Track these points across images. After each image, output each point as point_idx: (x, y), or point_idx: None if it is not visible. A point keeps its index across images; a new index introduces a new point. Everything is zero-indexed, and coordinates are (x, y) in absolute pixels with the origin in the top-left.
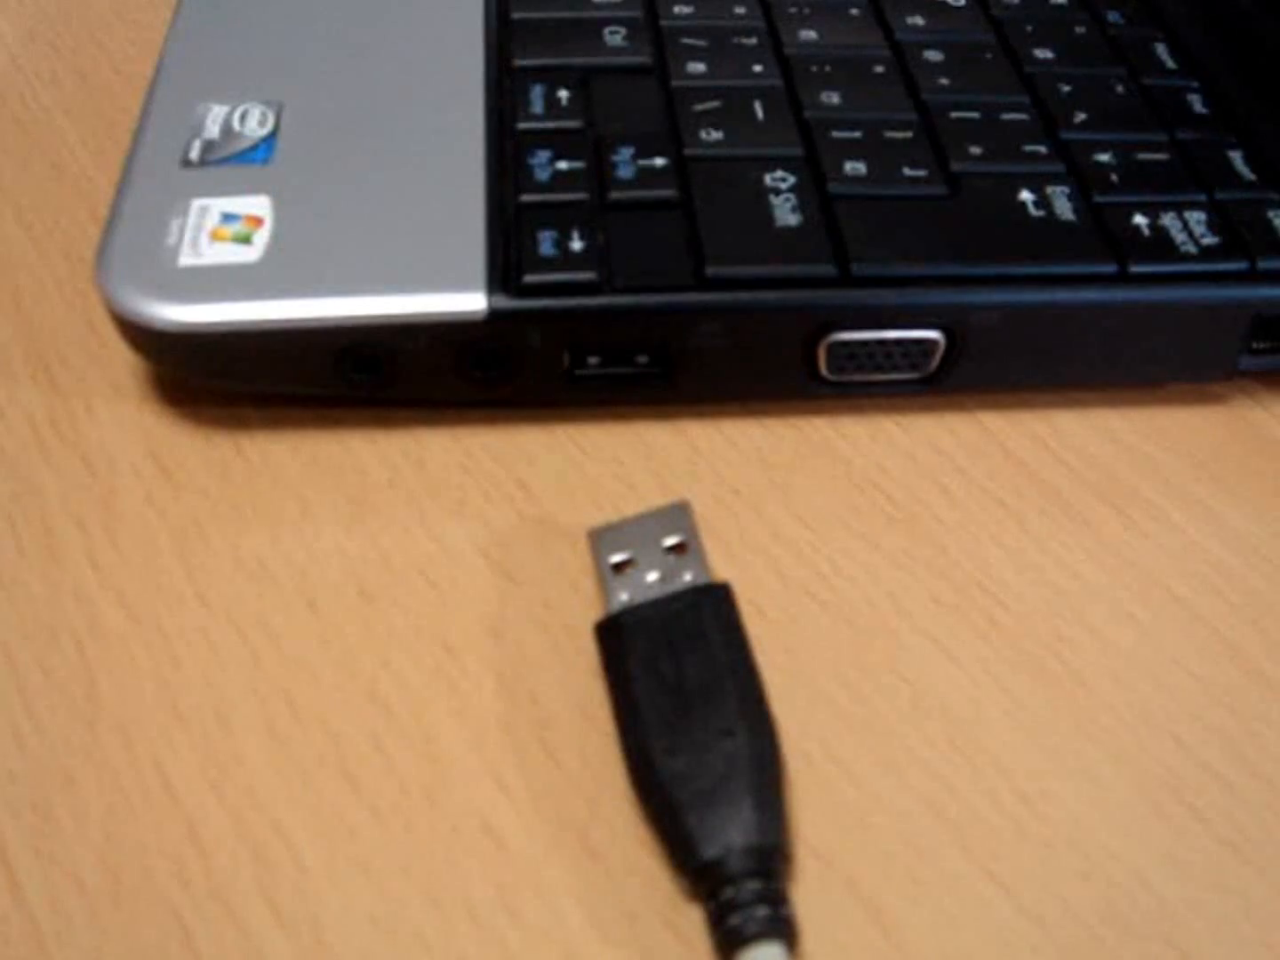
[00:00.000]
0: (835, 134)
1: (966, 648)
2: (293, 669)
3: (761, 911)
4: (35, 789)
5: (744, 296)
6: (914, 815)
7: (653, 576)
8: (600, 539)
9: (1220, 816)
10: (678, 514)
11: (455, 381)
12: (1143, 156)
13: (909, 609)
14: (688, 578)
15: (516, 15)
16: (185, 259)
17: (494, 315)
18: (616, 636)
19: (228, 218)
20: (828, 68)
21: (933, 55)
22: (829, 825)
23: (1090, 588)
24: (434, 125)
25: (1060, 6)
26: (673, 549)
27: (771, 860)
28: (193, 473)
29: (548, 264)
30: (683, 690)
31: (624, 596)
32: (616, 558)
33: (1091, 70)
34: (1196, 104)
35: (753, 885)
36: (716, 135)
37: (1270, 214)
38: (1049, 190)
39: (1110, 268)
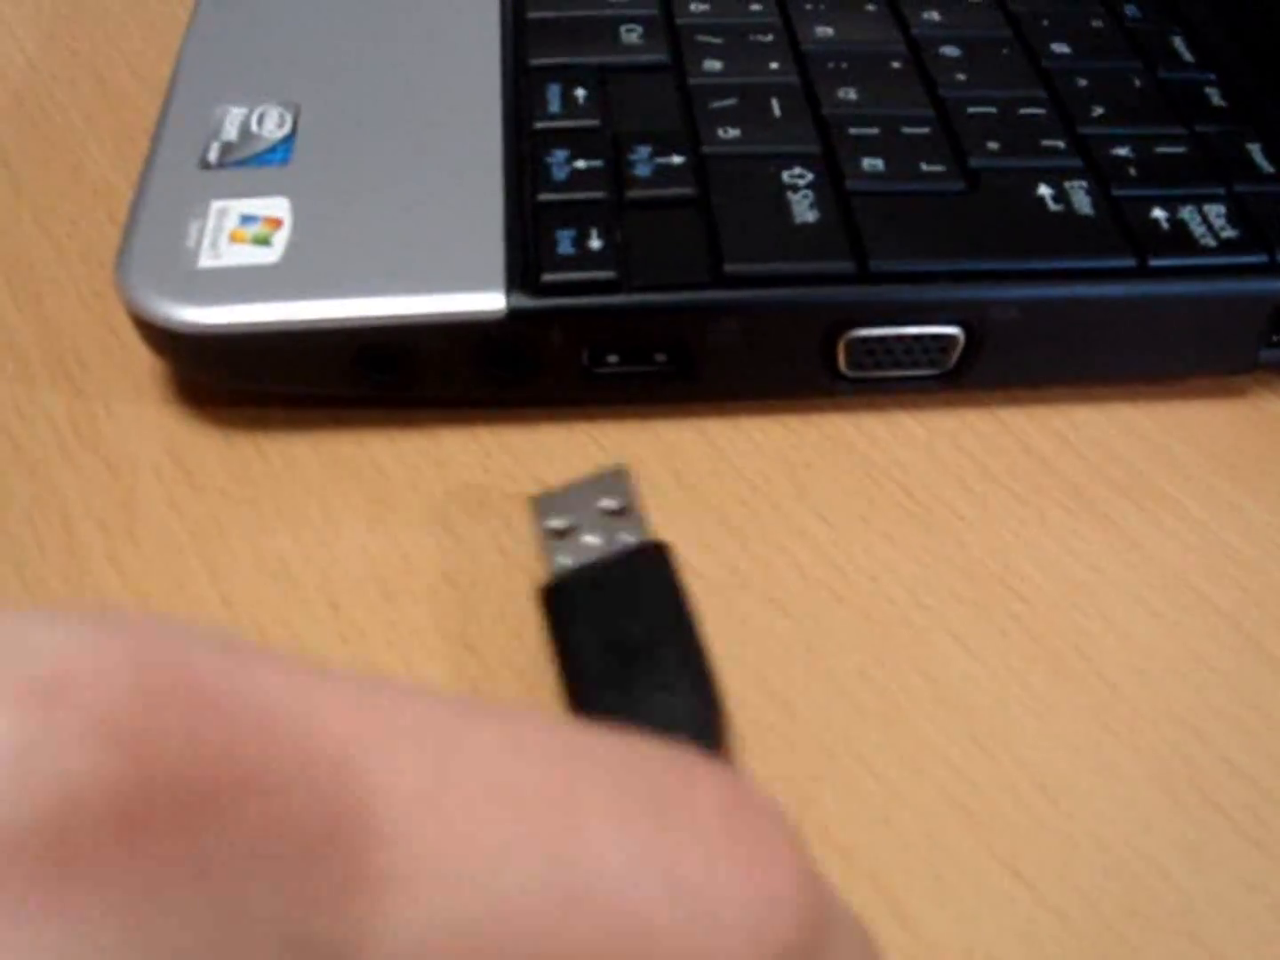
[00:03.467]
0: (853, 130)
1: (987, 643)
2: None
3: None
4: None
5: (763, 294)
6: (936, 810)
7: (593, 539)
8: (540, 505)
9: (1243, 810)
10: (616, 478)
11: (474, 381)
12: (1161, 150)
13: (929, 604)
14: (627, 538)
15: (532, 15)
16: (204, 261)
17: (513, 314)
18: (558, 600)
19: (246, 219)
20: (845, 64)
21: (950, 51)
22: (850, 820)
23: (1111, 582)
24: (451, 125)
25: (1076, 0)
26: (613, 512)
27: None
28: (213, 473)
29: (566, 263)
30: (623, 648)
31: (565, 560)
32: (556, 523)
33: (1109, 64)
34: (1214, 97)
35: None
36: (734, 133)
37: None
38: (1067, 185)
39: (1129, 262)
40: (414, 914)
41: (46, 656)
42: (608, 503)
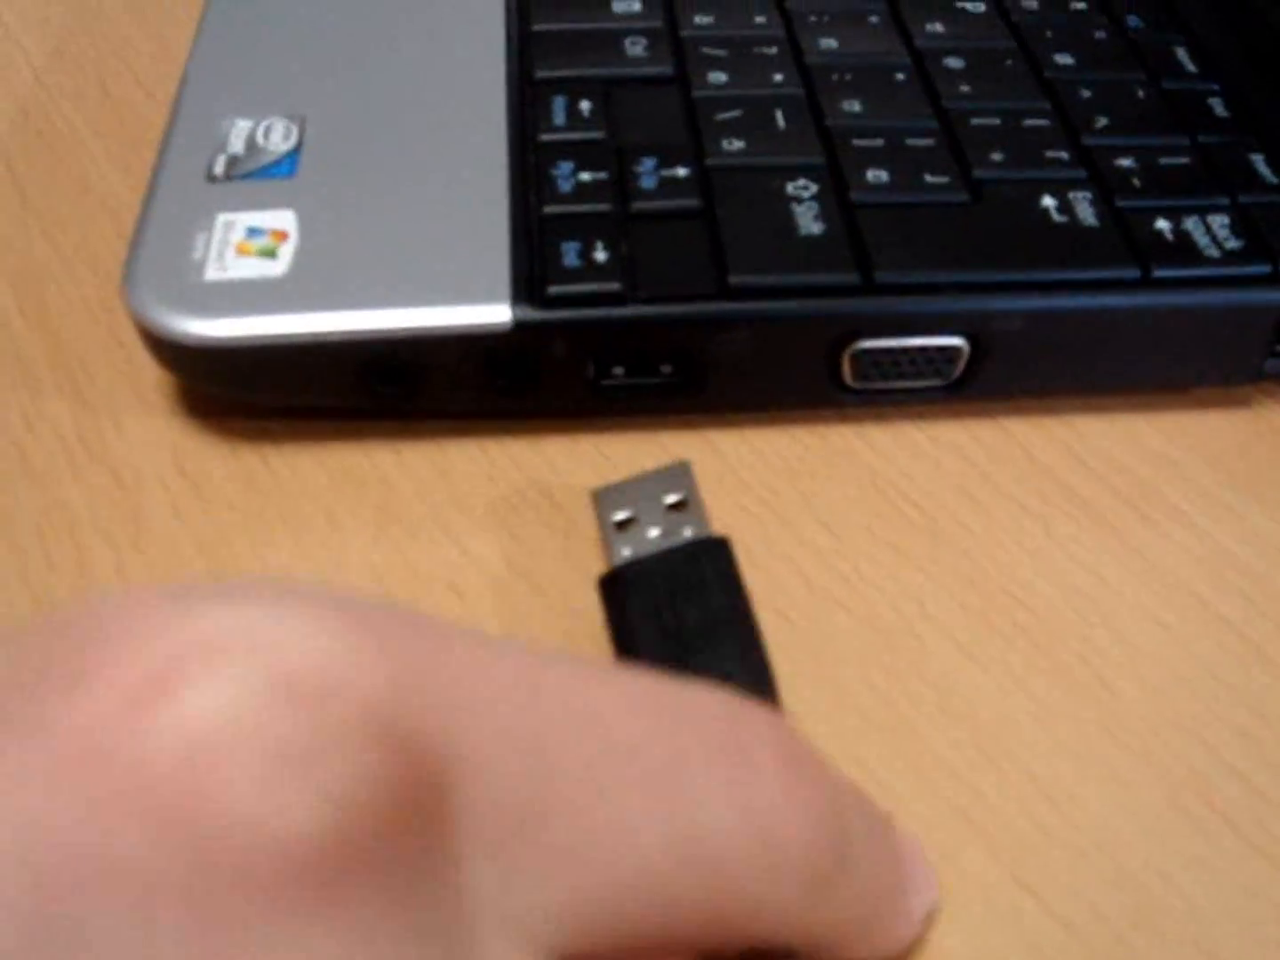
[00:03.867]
0: (857, 142)
1: (992, 653)
2: None
3: None
4: None
5: (768, 305)
6: (942, 820)
7: (654, 532)
8: (603, 498)
9: (1249, 820)
10: (679, 473)
11: (480, 392)
12: (1165, 161)
13: (935, 615)
14: (688, 533)
15: (537, 27)
16: (211, 273)
17: (519, 326)
18: (618, 589)
19: (253, 232)
20: (848, 76)
21: (953, 62)
22: None
23: (1116, 592)
24: (457, 137)
25: (1080, 11)
26: (674, 506)
27: None
28: (219, 485)
29: (572, 275)
30: (682, 637)
31: (626, 552)
32: (619, 515)
33: (1112, 75)
34: (1218, 107)
35: None
36: (738, 144)
37: None
38: (1071, 196)
39: (1133, 272)
40: (579, 879)
41: (297, 648)
42: (670, 497)
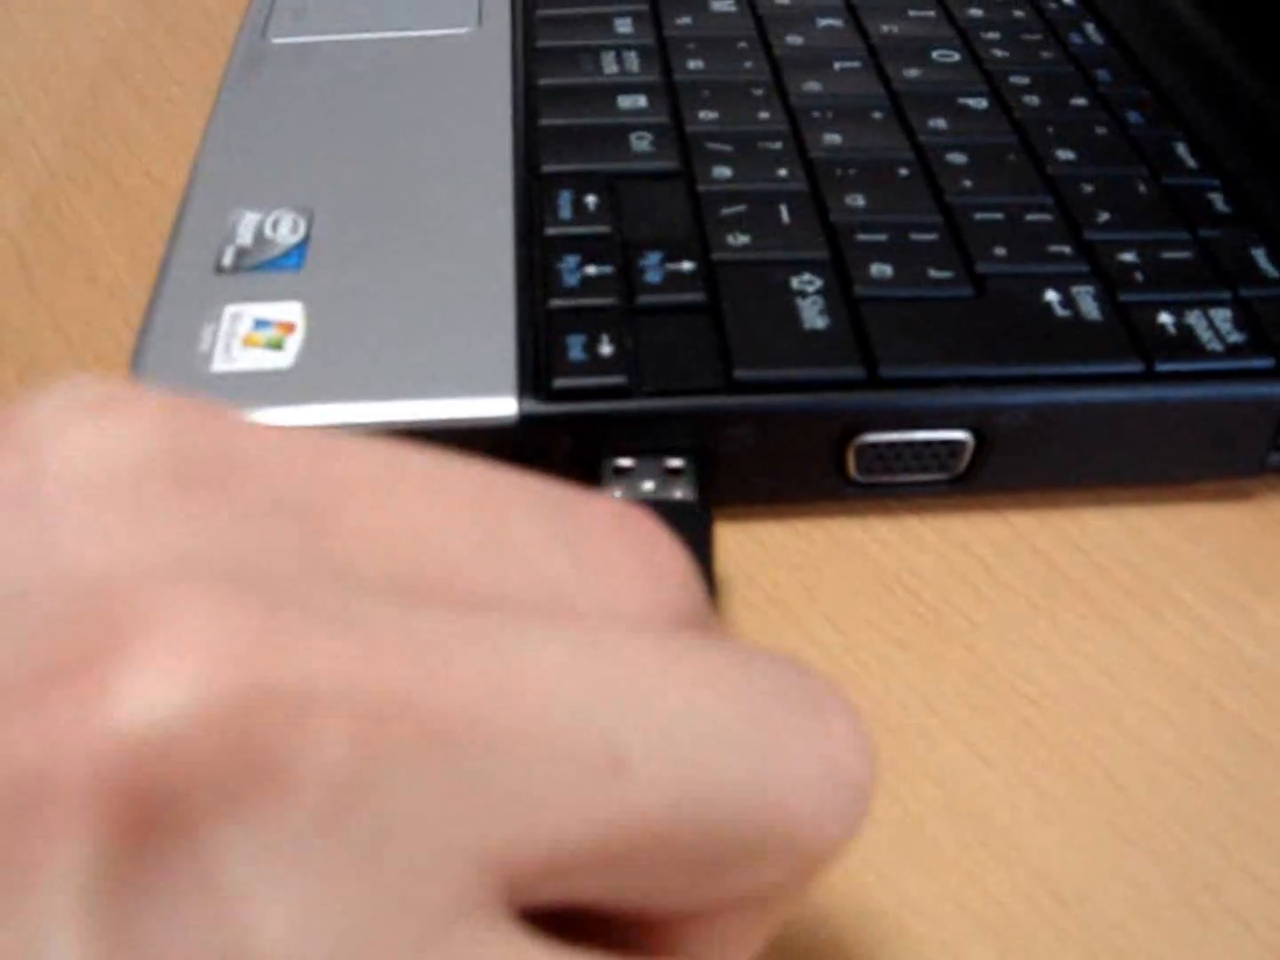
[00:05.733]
0: (861, 236)
1: (999, 749)
2: None
3: None
4: None
5: (773, 399)
6: (950, 920)
7: (648, 485)
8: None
9: (1263, 920)
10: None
11: None
12: (1167, 255)
13: (941, 710)
14: (678, 494)
15: (544, 121)
16: (218, 365)
17: (525, 420)
18: None
19: (260, 324)
20: (852, 171)
21: (956, 157)
22: (864, 931)
23: (1123, 687)
24: (463, 231)
25: (1081, 107)
26: (673, 471)
27: None
28: None
29: (577, 368)
30: None
31: (616, 494)
32: (622, 463)
33: (1113, 170)
34: (1218, 202)
35: None
36: (743, 239)
37: None
38: (1074, 290)
39: (1137, 366)
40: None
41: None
42: (673, 462)
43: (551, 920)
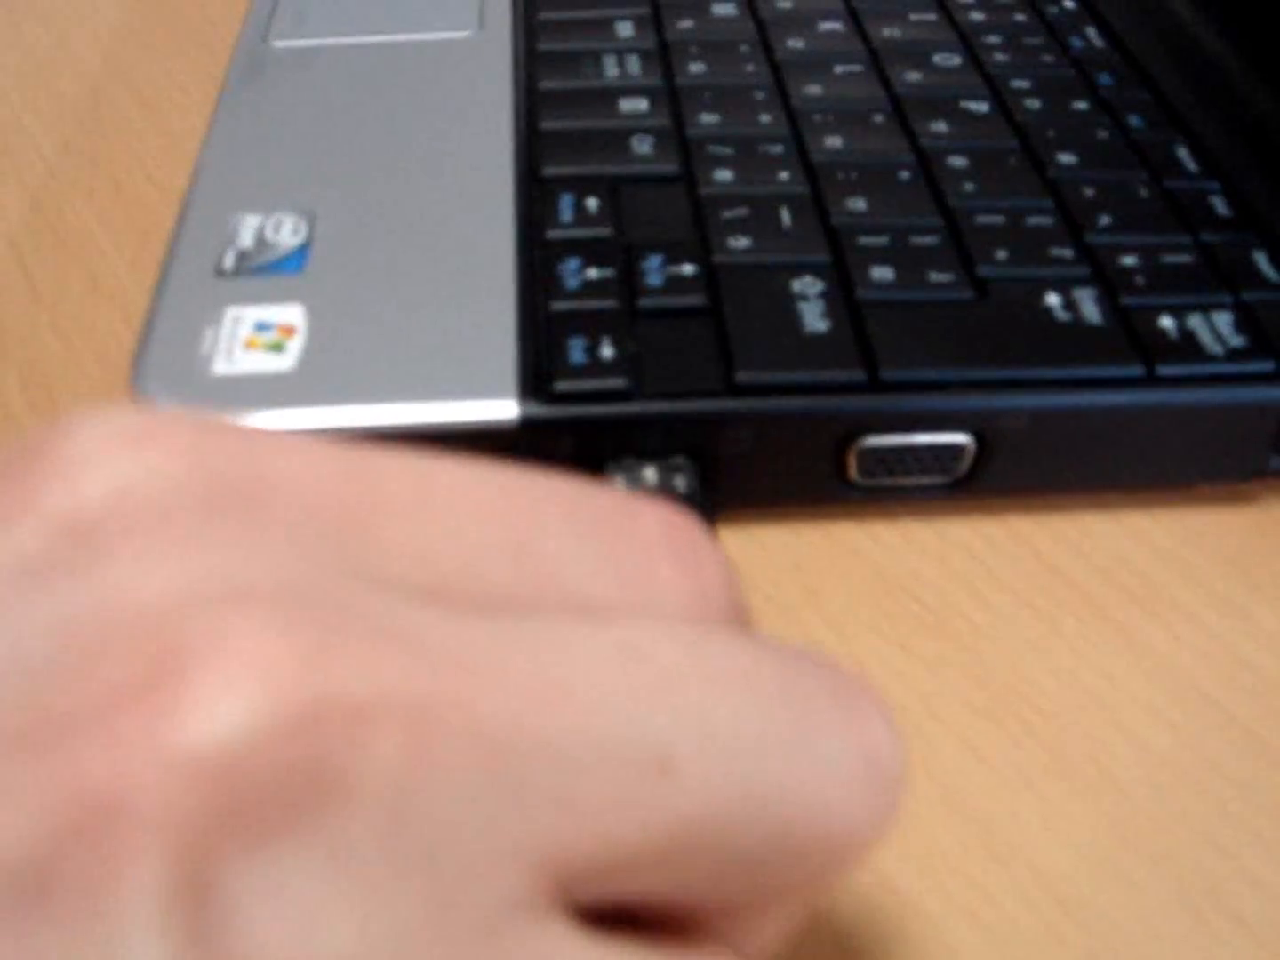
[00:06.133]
0: (862, 240)
1: (1001, 752)
2: None
3: None
4: None
5: (774, 402)
6: (950, 922)
7: (649, 474)
8: None
9: (1263, 923)
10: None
11: None
12: (1168, 259)
13: (942, 714)
14: (680, 485)
15: (545, 125)
16: (219, 367)
17: (526, 423)
18: None
19: (261, 327)
20: (853, 174)
21: (957, 161)
22: (864, 932)
23: (1124, 690)
24: (465, 234)
25: (1082, 111)
26: (676, 468)
27: None
28: None
29: (579, 371)
30: None
31: (618, 480)
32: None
33: (1114, 173)
34: (1219, 206)
35: None
36: (744, 242)
37: None
38: (1075, 293)
39: (1138, 370)
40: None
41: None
42: (674, 466)
43: (596, 914)
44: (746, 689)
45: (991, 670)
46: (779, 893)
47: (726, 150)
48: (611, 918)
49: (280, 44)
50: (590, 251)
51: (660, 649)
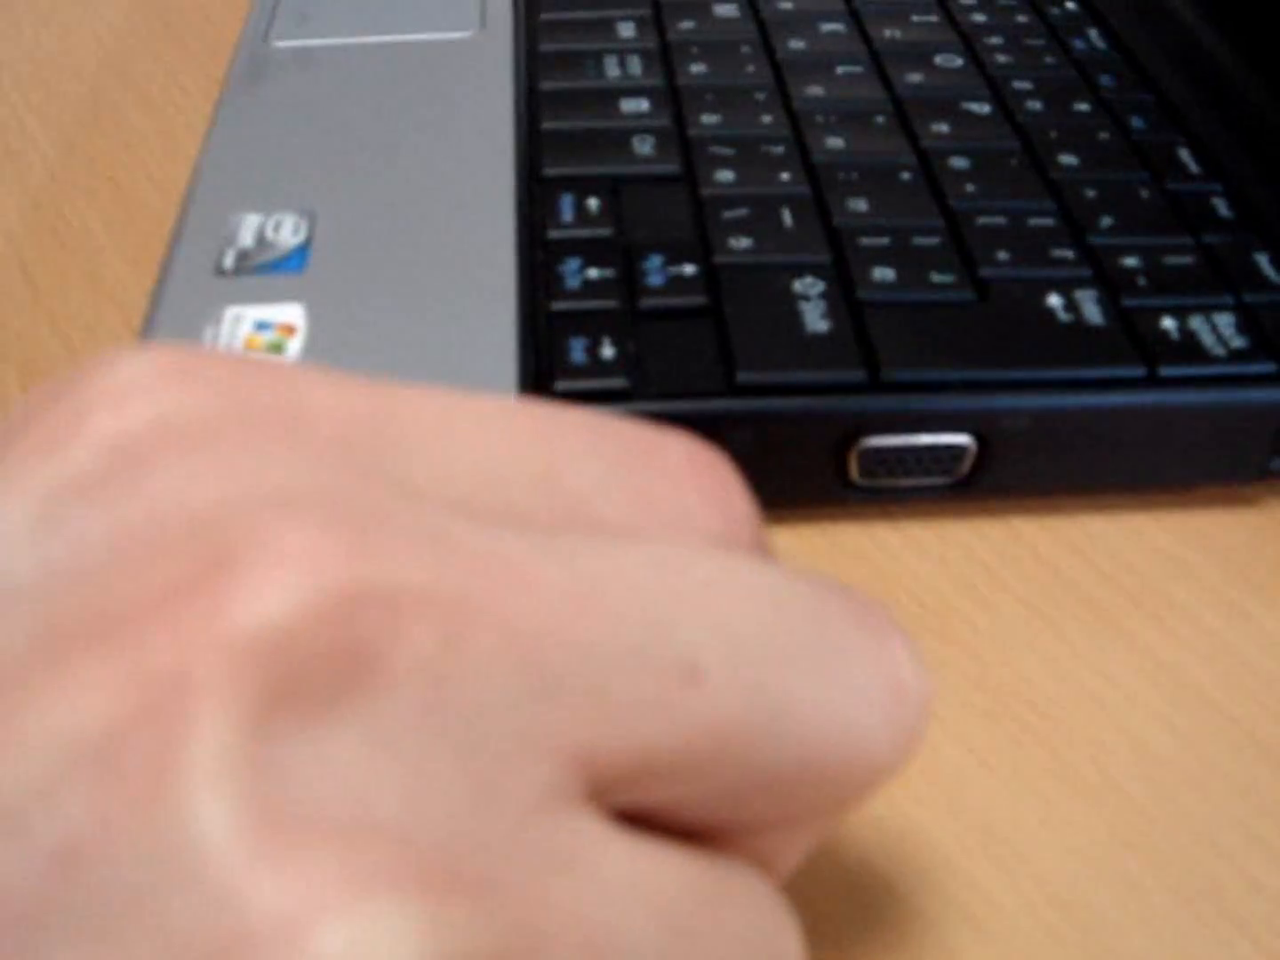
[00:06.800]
0: (863, 240)
1: (1001, 754)
2: None
3: None
4: None
5: (775, 402)
6: (950, 924)
7: None
8: None
9: (1263, 926)
10: None
11: None
12: (1169, 260)
13: (943, 716)
14: None
15: (546, 125)
16: None
17: None
18: None
19: (261, 326)
20: (855, 175)
21: (958, 162)
22: (864, 935)
23: (1125, 693)
24: (465, 234)
25: (1083, 113)
26: None
27: None
28: None
29: (579, 371)
30: None
31: None
32: None
33: (1116, 175)
34: (1221, 207)
35: None
36: (746, 242)
37: None
38: (1077, 294)
39: (1139, 371)
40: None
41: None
42: None
43: (630, 819)
44: (775, 607)
45: (992, 671)
46: (802, 814)
47: (728, 150)
48: (644, 826)
49: (281, 44)
50: (591, 251)
51: (691, 563)
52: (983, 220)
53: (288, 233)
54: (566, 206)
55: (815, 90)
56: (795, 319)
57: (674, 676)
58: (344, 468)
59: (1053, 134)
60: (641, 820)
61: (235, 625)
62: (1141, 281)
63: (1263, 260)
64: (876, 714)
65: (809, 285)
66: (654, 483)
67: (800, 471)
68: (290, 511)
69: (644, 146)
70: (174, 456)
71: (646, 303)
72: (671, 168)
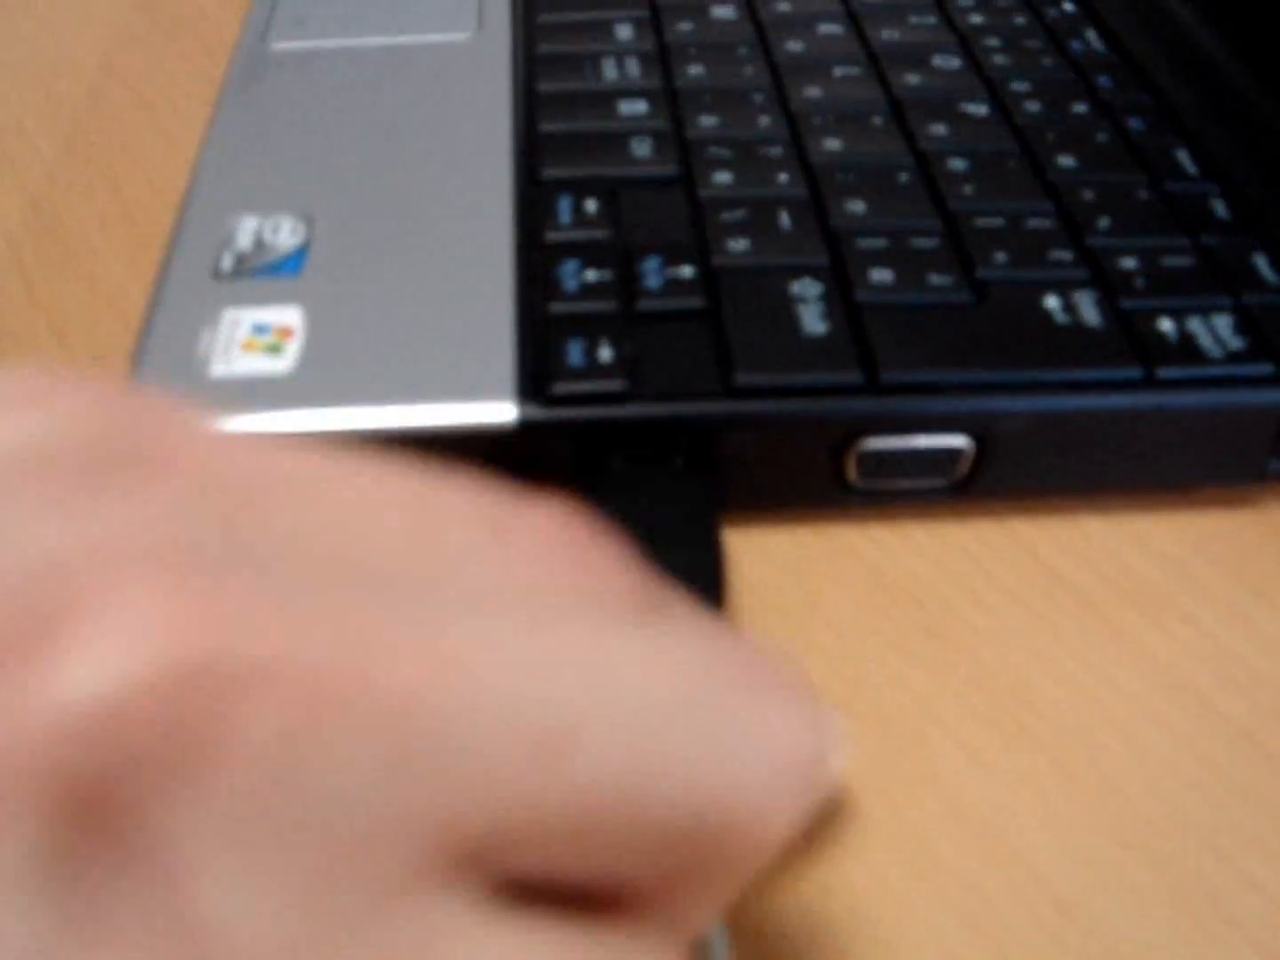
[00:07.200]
0: (861, 242)
1: (1000, 755)
2: None
3: None
4: None
5: (773, 405)
6: (949, 927)
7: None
8: None
9: (1261, 928)
10: None
11: None
12: (1167, 261)
13: (942, 717)
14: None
15: (544, 127)
16: (217, 369)
17: (524, 425)
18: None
19: (259, 328)
20: (853, 177)
21: (956, 163)
22: (863, 938)
23: (1123, 693)
24: (463, 236)
25: (1081, 114)
26: None
27: None
28: None
29: (577, 374)
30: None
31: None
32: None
33: (1114, 177)
34: (1219, 208)
35: None
36: (743, 244)
37: None
38: (1075, 296)
39: (1137, 373)
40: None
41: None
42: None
43: (525, 886)
44: (650, 669)
45: (990, 673)
46: (701, 875)
47: (725, 152)
48: (547, 892)
49: (279, 46)
50: (589, 254)
51: (564, 628)
52: (981, 222)
53: (286, 235)
54: (564, 208)
55: (813, 92)
56: (793, 321)
57: (544, 743)
58: (195, 519)
59: (1051, 135)
60: (537, 888)
61: (51, 704)
62: (1139, 283)
63: (1261, 261)
64: (756, 777)
65: (807, 287)
66: (523, 549)
67: (798, 473)
68: (127, 568)
69: (642, 148)
70: (11, 494)
71: (644, 305)
72: (669, 170)
